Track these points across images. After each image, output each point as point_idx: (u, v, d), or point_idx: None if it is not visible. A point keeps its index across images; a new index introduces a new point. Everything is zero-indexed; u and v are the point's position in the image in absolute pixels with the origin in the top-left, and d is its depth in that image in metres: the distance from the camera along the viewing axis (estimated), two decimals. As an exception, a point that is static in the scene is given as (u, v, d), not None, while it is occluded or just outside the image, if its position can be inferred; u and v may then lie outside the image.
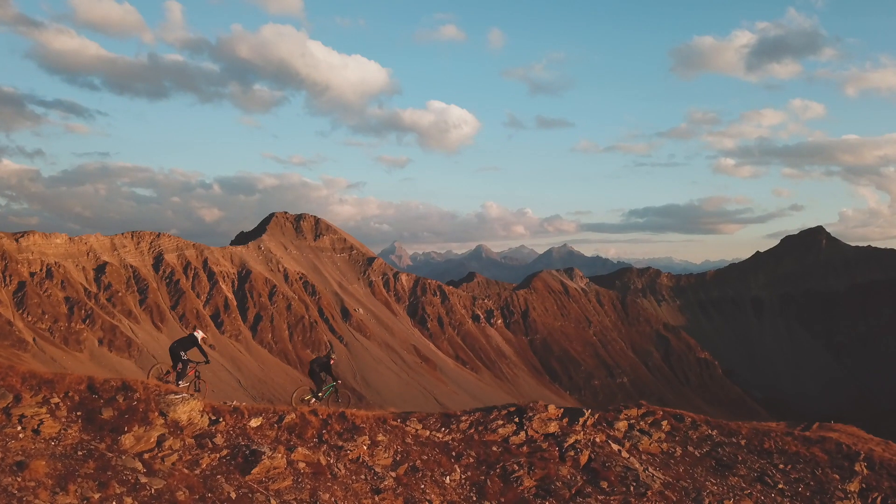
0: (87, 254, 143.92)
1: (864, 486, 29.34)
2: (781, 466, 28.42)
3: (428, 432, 22.36)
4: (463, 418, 23.74)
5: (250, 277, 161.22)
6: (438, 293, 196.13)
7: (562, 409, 26.04)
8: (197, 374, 22.36)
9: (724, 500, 23.45)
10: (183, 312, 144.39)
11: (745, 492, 24.85)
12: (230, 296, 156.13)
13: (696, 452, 27.53)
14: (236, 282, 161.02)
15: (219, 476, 15.51)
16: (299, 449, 17.88)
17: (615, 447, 24.72)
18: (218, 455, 16.42)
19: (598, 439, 24.85)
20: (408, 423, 22.45)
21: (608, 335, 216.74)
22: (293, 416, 19.73)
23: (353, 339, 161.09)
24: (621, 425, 27.41)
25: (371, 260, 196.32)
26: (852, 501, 27.43)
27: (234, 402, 20.56)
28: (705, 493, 23.37)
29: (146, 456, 15.16)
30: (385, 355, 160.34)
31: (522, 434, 23.48)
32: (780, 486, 26.26)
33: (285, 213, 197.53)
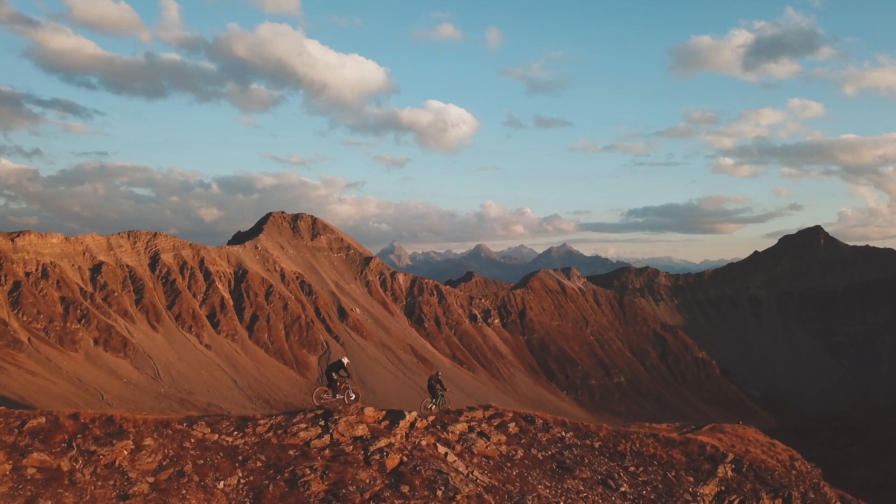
0: (83, 253, 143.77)
1: (722, 488, 29.16)
2: (632, 469, 28.29)
3: (217, 436, 21.65)
4: (262, 422, 23.22)
5: (247, 277, 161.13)
6: (435, 293, 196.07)
7: (384, 412, 25.45)
8: (347, 386, 28.43)
9: (552, 504, 22.89)
10: (179, 312, 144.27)
11: (580, 495, 24.58)
12: (226, 295, 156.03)
13: (540, 455, 27.19)
14: (233, 281, 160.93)
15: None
16: (35, 454, 17.20)
17: (442, 450, 24.17)
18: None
19: (424, 442, 24.32)
20: (194, 427, 21.77)
21: (605, 335, 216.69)
22: (41, 420, 19.06)
23: (350, 338, 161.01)
24: (460, 427, 27.05)
25: (368, 259, 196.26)
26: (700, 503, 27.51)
27: None
28: (531, 497, 22.83)
29: None
30: (382, 355, 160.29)
31: (327, 437, 22.79)
32: (624, 488, 25.94)
33: (282, 212, 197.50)
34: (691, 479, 28.73)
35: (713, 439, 37.10)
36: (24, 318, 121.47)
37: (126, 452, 18.66)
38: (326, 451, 22.03)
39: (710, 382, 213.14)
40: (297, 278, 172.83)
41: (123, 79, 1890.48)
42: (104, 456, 18.21)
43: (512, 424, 29.38)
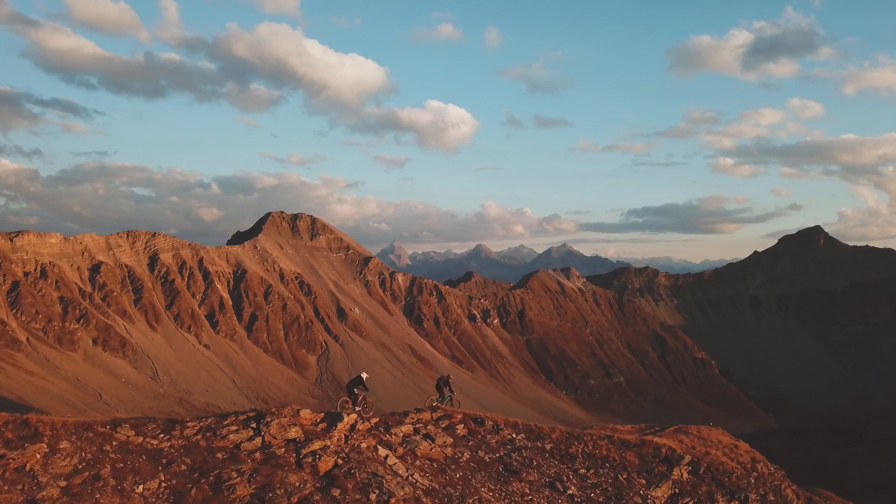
0: (82, 253, 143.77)
1: (675, 490, 28.86)
2: (582, 471, 27.95)
3: (141, 438, 21.17)
4: (190, 424, 22.59)
5: (246, 277, 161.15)
6: (435, 293, 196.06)
7: (322, 414, 25.09)
8: (364, 399, 30.86)
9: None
10: (178, 312, 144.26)
11: (525, 498, 24.26)
12: (225, 295, 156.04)
13: (487, 457, 26.82)
14: (232, 281, 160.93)
15: None
16: None
17: (383, 453, 23.73)
18: None
19: (364, 445, 23.88)
20: (118, 430, 21.27)
21: (605, 335, 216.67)
22: None
23: (349, 338, 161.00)
24: (405, 429, 26.70)
25: (367, 259, 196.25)
26: (648, 506, 27.14)
27: None
28: (472, 500, 22.43)
29: None
30: (381, 355, 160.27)
31: (259, 440, 22.24)
32: (571, 491, 25.62)
33: (281, 212, 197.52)
34: (643, 481, 28.37)
35: (673, 441, 36.83)
36: (23, 318, 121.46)
37: (39, 456, 18.16)
38: (257, 454, 21.42)
39: (709, 382, 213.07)
40: (297, 278, 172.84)
41: (123, 78, 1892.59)
42: (14, 460, 17.68)
43: (460, 426, 28.96)
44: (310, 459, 21.45)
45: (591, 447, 30.62)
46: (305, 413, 24.49)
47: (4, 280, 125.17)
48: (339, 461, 21.87)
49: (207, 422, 22.94)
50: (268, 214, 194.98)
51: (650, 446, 32.46)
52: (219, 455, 20.83)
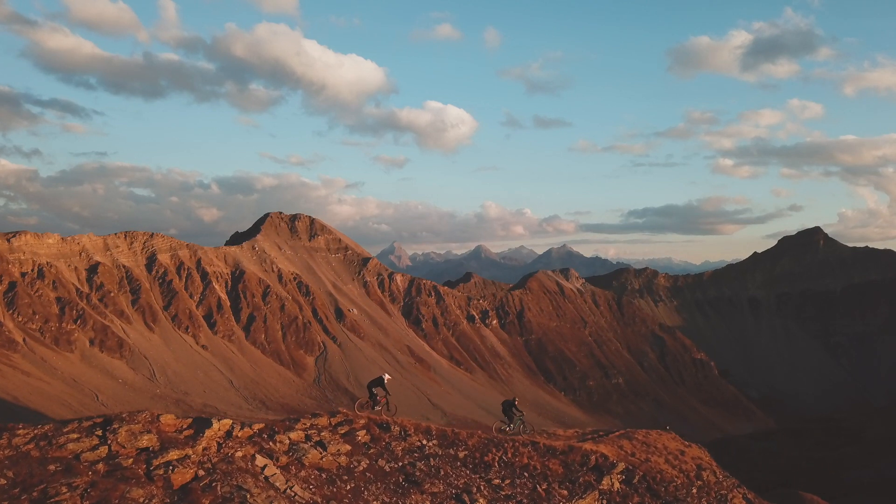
0: (80, 254, 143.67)
1: (603, 502, 27.09)
2: (496, 482, 25.74)
3: None
4: (21, 432, 19.88)
5: (244, 277, 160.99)
6: (433, 294, 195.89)
7: (189, 419, 22.70)
8: (387, 400, 31.91)
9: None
10: (175, 313, 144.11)
11: None
12: (223, 296, 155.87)
13: (387, 467, 24.69)
14: (230, 282, 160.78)
15: None
16: None
17: (261, 463, 21.28)
18: None
19: (240, 454, 21.30)
20: None
21: (604, 335, 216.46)
22: None
23: (347, 339, 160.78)
24: (294, 436, 24.36)
25: (366, 260, 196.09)
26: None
27: None
28: None
29: None
30: (379, 356, 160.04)
31: (104, 449, 19.52)
32: (480, 503, 23.76)
33: (280, 213, 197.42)
34: (565, 492, 26.21)
35: (610, 448, 34.74)
36: (20, 319, 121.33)
37: None
38: (99, 466, 18.68)
39: (708, 383, 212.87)
40: (295, 279, 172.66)
41: (122, 79, 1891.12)
42: None
43: (362, 432, 26.67)
44: (162, 471, 18.89)
45: (510, 455, 28.31)
46: (168, 419, 22.01)
47: (1, 280, 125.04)
48: (201, 473, 19.38)
49: (44, 428, 20.17)
50: (266, 215, 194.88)
51: (578, 453, 30.30)
52: (51, 467, 18.17)
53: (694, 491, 32.25)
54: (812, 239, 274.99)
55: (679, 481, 32.53)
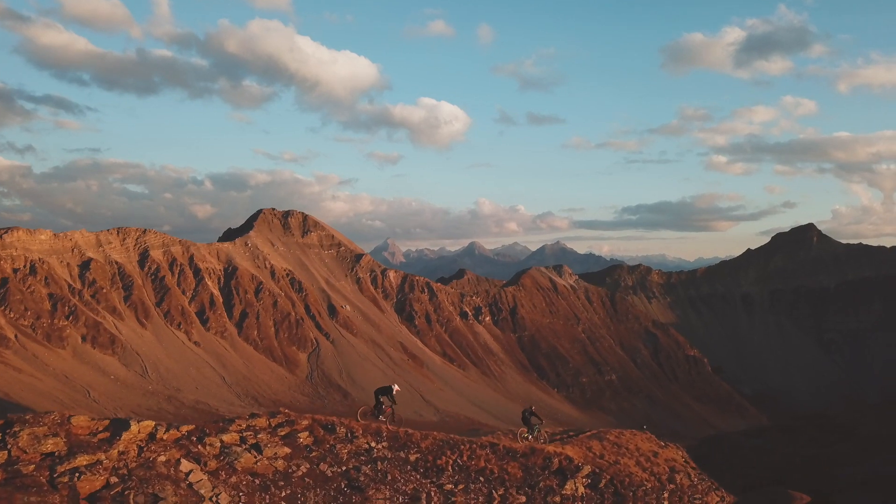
0: (72, 250, 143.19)
1: None
2: (449, 487, 24.34)
3: None
4: None
5: (236, 274, 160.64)
6: (426, 290, 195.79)
7: (106, 421, 21.11)
8: (393, 410, 31.51)
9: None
10: (168, 309, 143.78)
11: None
12: (216, 292, 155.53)
13: (329, 472, 23.16)
14: (222, 278, 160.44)
15: None
16: None
17: (186, 468, 19.81)
18: None
19: (163, 458, 19.85)
20: None
21: (597, 332, 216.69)
22: None
23: (340, 335, 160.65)
24: (227, 438, 22.67)
25: (359, 257, 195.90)
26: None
27: None
28: None
29: None
30: (371, 352, 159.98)
31: (3, 454, 18.18)
32: None
33: (273, 209, 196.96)
34: (523, 498, 24.92)
35: (578, 450, 33.59)
36: (11, 315, 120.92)
37: None
38: None
39: (701, 380, 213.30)
40: (288, 275, 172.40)
41: (115, 75, 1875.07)
42: None
43: (304, 434, 25.03)
44: (66, 479, 17.44)
45: (466, 458, 26.74)
46: (81, 420, 20.41)
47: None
48: (113, 480, 17.99)
49: None
50: (259, 211, 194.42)
51: (540, 456, 28.68)
52: None
53: (665, 495, 30.90)
54: (806, 236, 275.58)
55: (650, 485, 31.08)
